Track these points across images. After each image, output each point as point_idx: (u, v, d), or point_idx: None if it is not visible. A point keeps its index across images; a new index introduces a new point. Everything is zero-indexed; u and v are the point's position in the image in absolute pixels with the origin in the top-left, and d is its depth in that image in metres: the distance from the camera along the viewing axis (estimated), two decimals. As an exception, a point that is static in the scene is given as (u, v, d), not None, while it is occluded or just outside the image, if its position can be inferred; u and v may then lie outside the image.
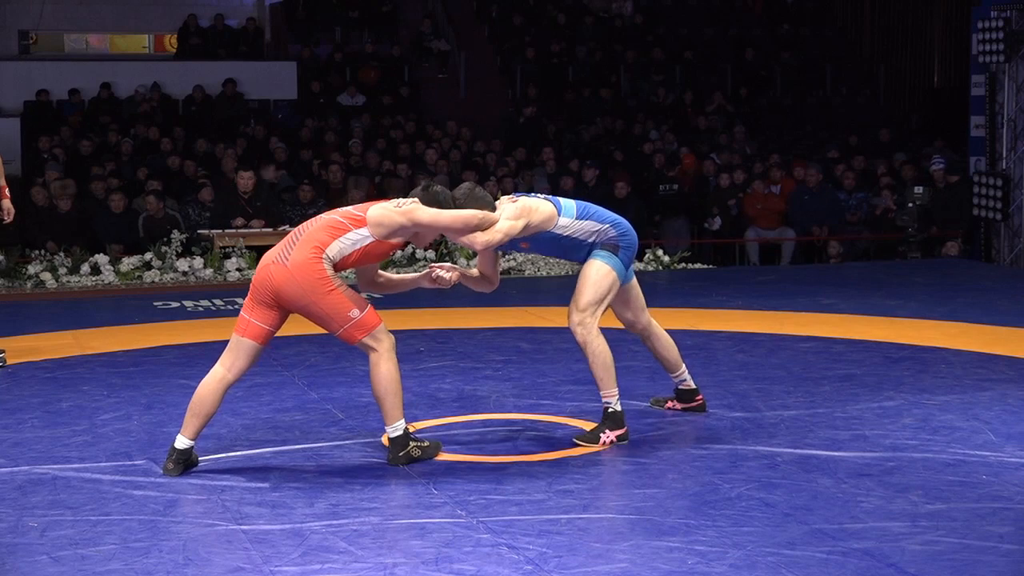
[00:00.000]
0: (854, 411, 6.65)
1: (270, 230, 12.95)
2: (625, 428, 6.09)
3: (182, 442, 5.65)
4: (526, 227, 5.98)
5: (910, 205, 13.98)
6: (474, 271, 6.32)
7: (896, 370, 7.75)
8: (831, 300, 10.56)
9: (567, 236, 6.11)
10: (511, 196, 6.18)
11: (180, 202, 14.28)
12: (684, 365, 6.60)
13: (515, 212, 5.96)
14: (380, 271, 6.11)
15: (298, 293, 5.60)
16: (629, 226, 6.27)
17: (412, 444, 5.75)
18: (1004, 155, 14.14)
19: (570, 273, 12.85)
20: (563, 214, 6.08)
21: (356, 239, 5.67)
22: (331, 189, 14.72)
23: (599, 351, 6.04)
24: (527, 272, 12.91)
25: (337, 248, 5.65)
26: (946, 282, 11.93)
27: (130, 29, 23.02)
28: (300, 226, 5.80)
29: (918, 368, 7.81)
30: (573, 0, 21.29)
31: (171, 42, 21.63)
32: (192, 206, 13.90)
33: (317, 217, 5.81)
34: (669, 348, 6.53)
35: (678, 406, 6.67)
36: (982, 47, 13.98)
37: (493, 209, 5.93)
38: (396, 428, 5.72)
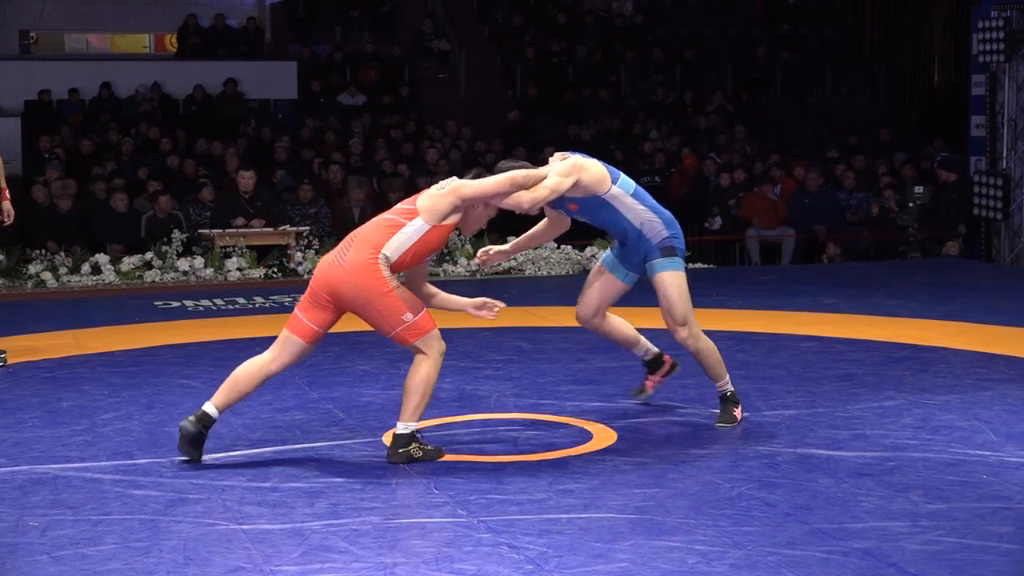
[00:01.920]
0: (854, 411, 6.65)
1: (271, 230, 12.95)
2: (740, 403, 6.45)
3: (211, 408, 5.75)
4: (575, 184, 5.95)
5: (910, 205, 13.98)
6: (506, 247, 6.43)
7: (896, 370, 7.75)
8: (831, 300, 10.56)
9: (615, 208, 6.10)
10: (564, 153, 6.15)
11: (181, 202, 14.29)
12: (642, 337, 6.64)
13: (566, 168, 5.94)
14: (428, 284, 6.07)
15: (354, 293, 5.64)
16: (678, 226, 6.31)
17: (415, 445, 5.74)
18: (1004, 155, 14.15)
19: (571, 273, 12.85)
20: (618, 184, 6.08)
21: (412, 231, 5.69)
22: (331, 189, 14.73)
23: (709, 350, 6.30)
24: (527, 272, 12.91)
25: (395, 245, 5.67)
26: (946, 282, 11.94)
27: (130, 29, 23.02)
28: (357, 229, 5.84)
29: (918, 368, 7.81)
30: (573, 0, 21.30)
31: (171, 42, 21.64)
32: (193, 206, 13.90)
33: (372, 220, 5.85)
34: (623, 327, 6.57)
35: (656, 379, 6.73)
36: (982, 47, 13.99)
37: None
38: (407, 427, 5.72)
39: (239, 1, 22.65)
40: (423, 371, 5.69)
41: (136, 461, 5.81)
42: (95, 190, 14.09)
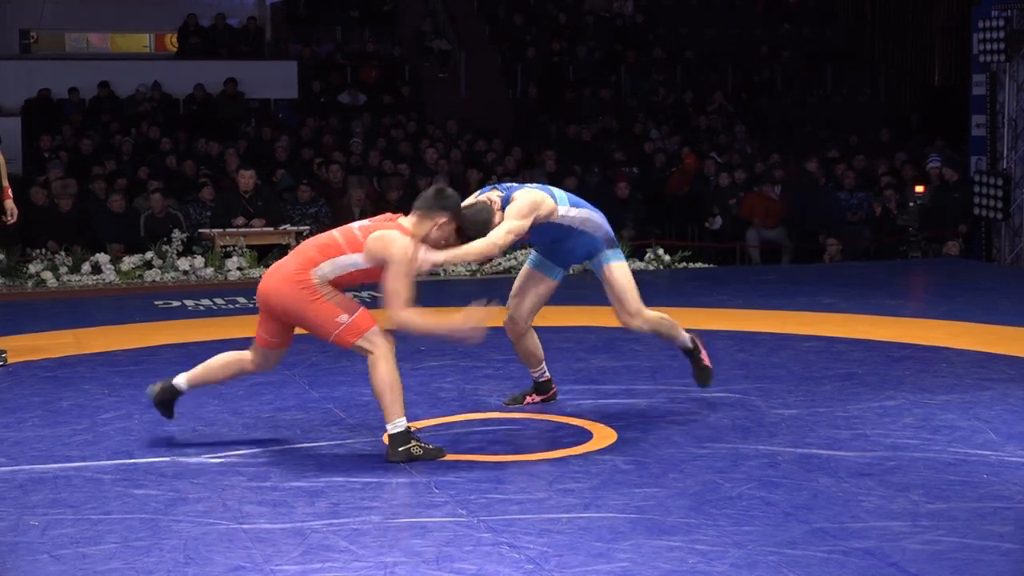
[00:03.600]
0: (855, 410, 6.64)
1: (271, 229, 12.95)
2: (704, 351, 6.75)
3: (180, 380, 6.00)
4: (534, 220, 6.14)
5: (911, 205, 13.98)
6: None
7: (897, 369, 7.75)
8: (832, 299, 10.56)
9: (564, 225, 6.31)
10: (495, 188, 6.24)
11: (181, 201, 14.29)
12: (544, 362, 6.79)
13: (524, 209, 6.09)
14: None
15: (284, 304, 5.70)
16: (599, 212, 6.53)
17: (413, 442, 5.71)
18: (1005, 154, 14.15)
19: (570, 271, 12.83)
20: (559, 204, 6.29)
21: (349, 263, 5.68)
22: (331, 189, 14.74)
23: (662, 321, 6.56)
24: (528, 271, 12.88)
25: (328, 268, 5.67)
26: (947, 282, 11.94)
27: (131, 28, 23.01)
28: (304, 240, 5.89)
29: (919, 367, 7.81)
30: (574, 0, 21.30)
31: (172, 41, 21.63)
32: (193, 205, 13.90)
33: (321, 235, 5.86)
34: (539, 346, 6.70)
35: (537, 398, 6.82)
36: (983, 46, 13.99)
37: (490, 219, 6.02)
38: (397, 425, 5.70)
39: (239, 1, 22.64)
40: (379, 372, 5.66)
41: (136, 460, 5.81)
42: (95, 190, 14.09)
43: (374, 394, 5.71)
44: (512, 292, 6.62)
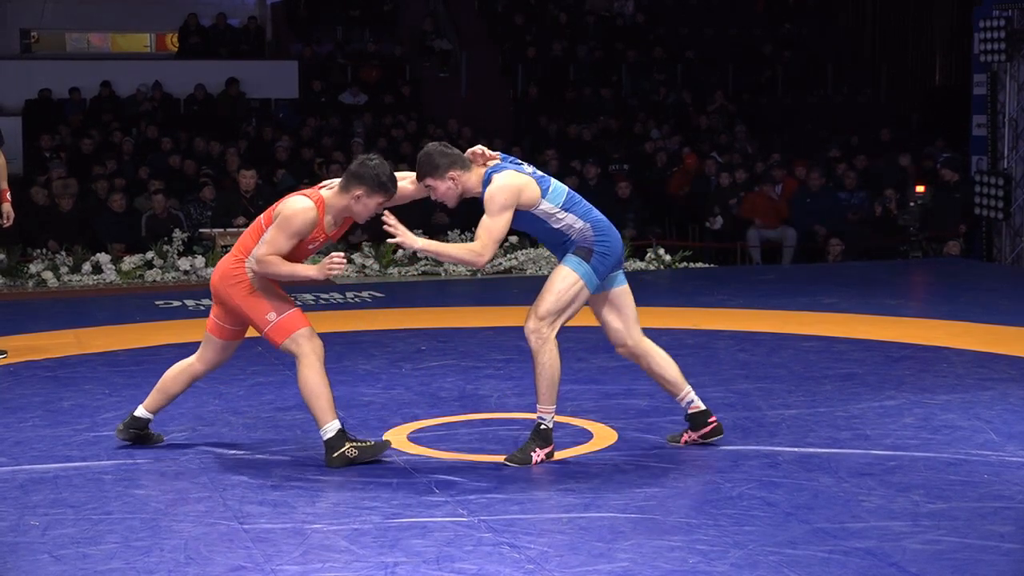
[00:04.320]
0: (855, 410, 6.64)
1: (271, 229, 12.94)
2: (552, 445, 5.72)
3: (141, 411, 5.97)
4: (516, 207, 5.62)
5: (912, 204, 13.98)
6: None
7: (897, 369, 7.75)
8: (832, 299, 10.55)
9: (545, 222, 5.70)
10: (497, 155, 5.79)
11: (182, 201, 14.29)
12: (688, 385, 5.95)
13: (502, 201, 5.55)
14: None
15: (224, 295, 5.70)
16: (612, 230, 5.79)
17: (348, 444, 5.64)
18: (1005, 154, 14.14)
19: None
20: (547, 198, 5.66)
21: (269, 238, 5.59)
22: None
23: (549, 363, 5.63)
24: (528, 271, 12.91)
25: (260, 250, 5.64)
26: (947, 282, 11.93)
27: (131, 28, 23.01)
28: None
29: (919, 367, 7.81)
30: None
31: (172, 41, 21.63)
32: (194, 205, 13.90)
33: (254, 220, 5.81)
34: (667, 366, 5.91)
35: (693, 436, 5.95)
36: (984, 46, 13.98)
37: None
38: (327, 430, 5.64)
39: (240, 0, 22.65)
40: (303, 377, 5.63)
41: (137, 460, 5.81)
42: (96, 189, 14.10)
43: (302, 398, 5.69)
44: (601, 320, 5.96)
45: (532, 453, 5.67)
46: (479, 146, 5.81)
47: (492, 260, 5.68)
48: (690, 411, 5.93)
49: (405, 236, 5.54)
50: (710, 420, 5.94)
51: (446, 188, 5.66)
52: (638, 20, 21.13)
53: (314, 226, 5.57)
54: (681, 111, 19.21)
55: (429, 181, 5.67)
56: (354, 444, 5.65)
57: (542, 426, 5.70)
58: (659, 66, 20.09)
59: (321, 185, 5.75)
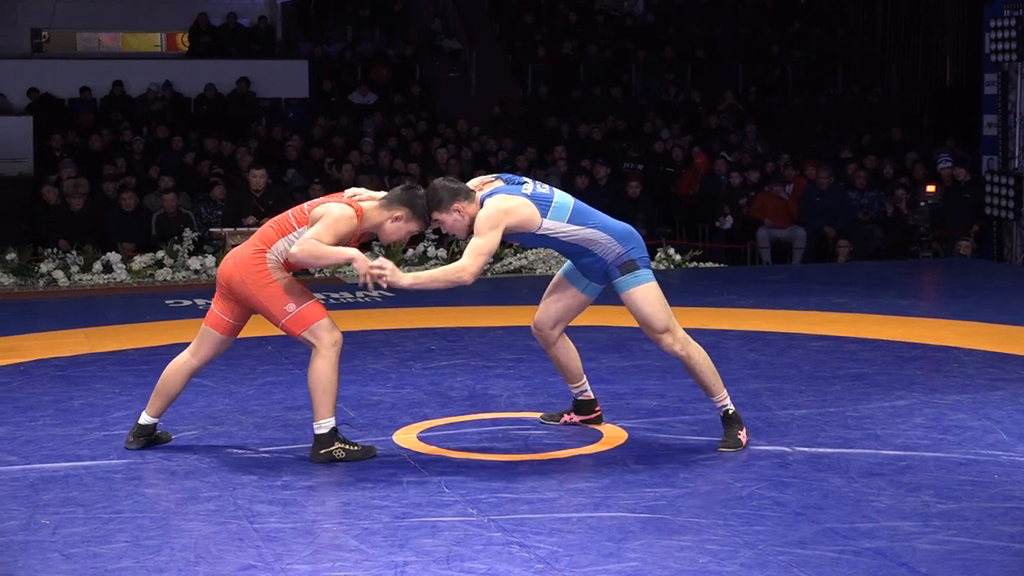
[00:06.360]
0: (865, 410, 6.64)
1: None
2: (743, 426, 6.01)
3: (144, 418, 5.95)
4: (506, 230, 5.64)
5: (922, 204, 13.95)
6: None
7: (908, 369, 7.74)
8: (842, 299, 10.55)
9: (555, 239, 5.73)
10: (491, 177, 5.88)
11: (192, 200, 14.31)
12: (585, 376, 6.32)
13: (489, 222, 5.58)
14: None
15: (240, 286, 5.68)
16: (633, 232, 5.88)
17: (337, 445, 5.67)
18: (1016, 154, 14.10)
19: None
20: (549, 216, 5.67)
21: (297, 238, 5.61)
22: (342, 188, 14.72)
23: (701, 358, 5.87)
24: (538, 271, 12.90)
25: (283, 246, 5.64)
26: (958, 281, 11.92)
27: (142, 27, 23.06)
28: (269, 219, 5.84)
29: (930, 367, 7.80)
30: (584, -1, 21.34)
31: (183, 41, 21.66)
32: (204, 204, 13.92)
33: (278, 216, 5.80)
34: (573, 359, 6.24)
35: (576, 418, 6.36)
36: (994, 46, 13.94)
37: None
38: (322, 425, 5.67)
39: (250, 0, 22.68)
40: (316, 367, 5.65)
41: (147, 459, 5.82)
42: (107, 189, 14.12)
43: (309, 388, 5.70)
44: (543, 296, 6.18)
45: (739, 436, 5.91)
46: (479, 177, 5.93)
47: (479, 274, 5.63)
48: (580, 398, 6.35)
49: (394, 274, 5.55)
50: (596, 408, 6.39)
51: (453, 220, 5.72)
52: (648, 20, 21.13)
53: (351, 235, 5.61)
54: (691, 111, 19.21)
55: (436, 215, 5.74)
56: (343, 446, 5.69)
57: (729, 411, 5.95)
58: (669, 66, 20.09)
59: (354, 195, 5.74)
